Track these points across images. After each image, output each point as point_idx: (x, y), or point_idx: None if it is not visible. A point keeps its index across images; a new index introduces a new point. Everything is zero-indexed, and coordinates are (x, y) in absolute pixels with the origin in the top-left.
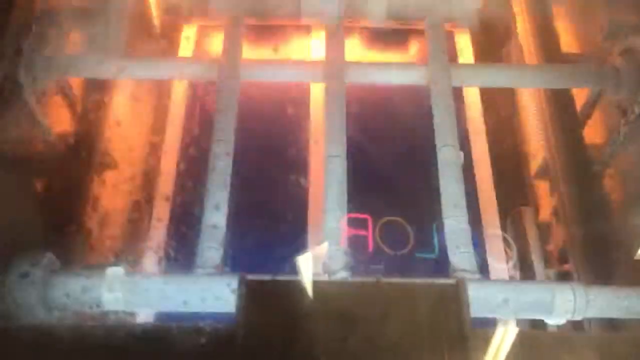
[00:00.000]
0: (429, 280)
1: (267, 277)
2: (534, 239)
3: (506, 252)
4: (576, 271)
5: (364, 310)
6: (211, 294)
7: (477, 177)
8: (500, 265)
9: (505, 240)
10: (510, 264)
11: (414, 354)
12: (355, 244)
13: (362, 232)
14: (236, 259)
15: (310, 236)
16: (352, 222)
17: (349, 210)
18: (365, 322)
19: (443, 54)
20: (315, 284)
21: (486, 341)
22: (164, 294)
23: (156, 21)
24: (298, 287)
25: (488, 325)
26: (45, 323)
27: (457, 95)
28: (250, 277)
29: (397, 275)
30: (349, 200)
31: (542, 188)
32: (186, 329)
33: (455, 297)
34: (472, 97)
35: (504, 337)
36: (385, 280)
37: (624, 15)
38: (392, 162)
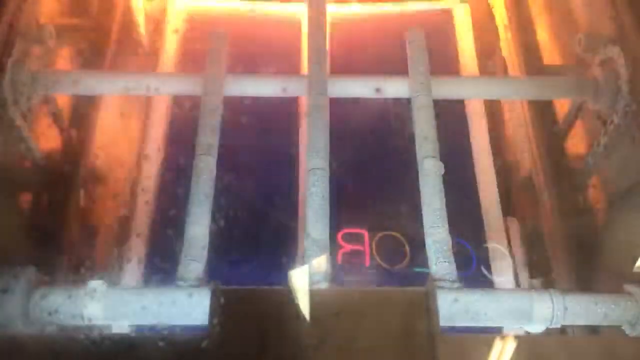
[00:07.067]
0: (401, 289)
1: (240, 287)
2: (518, 249)
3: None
4: (560, 281)
5: (336, 319)
6: (192, 307)
7: (481, 193)
8: (504, 278)
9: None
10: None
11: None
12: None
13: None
14: (223, 272)
15: (300, 248)
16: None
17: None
18: (338, 330)
19: (424, 66)
20: (289, 293)
21: (457, 347)
22: (145, 307)
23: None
24: (272, 296)
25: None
26: (22, 333)
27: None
28: (224, 287)
29: None
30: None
31: (527, 198)
32: (160, 338)
33: (425, 304)
34: (477, 111)
35: (476, 343)
36: (358, 289)
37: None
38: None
